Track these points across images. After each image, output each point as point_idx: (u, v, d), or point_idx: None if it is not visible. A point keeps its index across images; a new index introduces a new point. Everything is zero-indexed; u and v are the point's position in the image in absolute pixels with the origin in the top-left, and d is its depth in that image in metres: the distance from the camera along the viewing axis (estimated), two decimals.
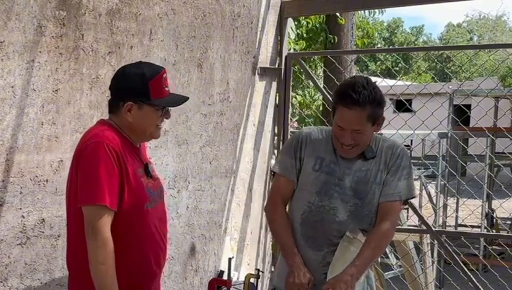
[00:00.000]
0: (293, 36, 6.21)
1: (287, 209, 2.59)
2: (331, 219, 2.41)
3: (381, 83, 5.16)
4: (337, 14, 7.25)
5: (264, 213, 2.71)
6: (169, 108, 2.34)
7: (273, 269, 4.34)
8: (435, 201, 8.90)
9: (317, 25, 7.62)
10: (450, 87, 11.08)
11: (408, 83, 14.07)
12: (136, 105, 2.22)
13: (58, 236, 2.69)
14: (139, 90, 2.21)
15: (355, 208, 2.41)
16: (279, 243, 2.59)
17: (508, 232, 9.53)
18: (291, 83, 4.34)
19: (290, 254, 2.43)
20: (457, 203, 8.93)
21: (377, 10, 8.70)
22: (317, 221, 2.43)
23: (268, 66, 4.22)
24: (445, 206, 8.59)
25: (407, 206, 6.04)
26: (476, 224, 9.17)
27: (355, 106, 2.31)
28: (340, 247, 2.40)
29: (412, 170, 2.52)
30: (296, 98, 7.12)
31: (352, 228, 2.41)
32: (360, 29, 8.92)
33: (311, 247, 2.43)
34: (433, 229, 4.51)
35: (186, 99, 2.43)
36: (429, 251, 6.23)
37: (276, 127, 4.37)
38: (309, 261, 2.43)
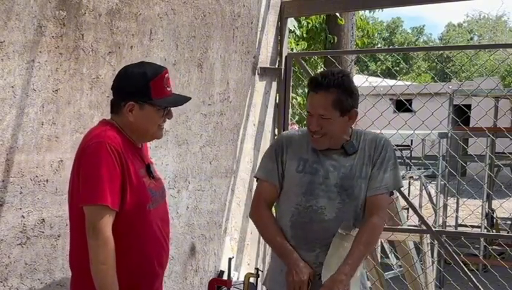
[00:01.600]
0: (298, 33, 6.21)
1: (275, 214, 2.58)
2: (320, 218, 2.41)
3: (381, 83, 5.19)
4: (337, 14, 7.24)
5: (250, 219, 2.70)
6: (171, 108, 2.34)
7: None
8: (435, 201, 8.89)
9: (317, 25, 7.61)
10: (450, 87, 11.08)
11: (408, 83, 14.07)
12: (137, 105, 2.22)
13: (58, 236, 2.69)
14: (140, 90, 2.21)
15: (343, 204, 2.41)
16: (271, 245, 2.58)
17: (508, 232, 9.52)
18: (291, 83, 4.34)
19: (285, 252, 2.42)
20: (457, 203, 8.92)
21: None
22: (306, 222, 2.43)
23: (268, 66, 4.22)
24: (445, 206, 8.58)
25: (407, 206, 6.05)
26: (476, 224, 9.17)
27: (320, 89, 2.36)
28: (333, 244, 2.39)
29: (396, 160, 2.52)
30: (296, 98, 7.11)
31: (344, 224, 2.40)
32: (360, 29, 8.91)
33: (303, 248, 2.42)
34: (433, 229, 4.51)
35: (188, 99, 2.43)
36: (429, 251, 6.22)
37: (276, 127, 4.37)
38: None
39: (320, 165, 2.45)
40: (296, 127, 7.42)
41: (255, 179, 2.63)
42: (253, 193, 4.12)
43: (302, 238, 2.43)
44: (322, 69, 7.79)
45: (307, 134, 2.49)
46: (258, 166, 2.64)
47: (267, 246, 4.37)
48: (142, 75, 2.21)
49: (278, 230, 2.47)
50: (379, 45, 35.99)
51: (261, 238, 4.29)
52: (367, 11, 9.38)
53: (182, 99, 2.40)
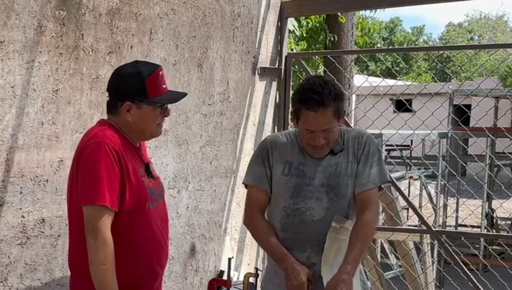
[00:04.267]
0: (298, 33, 6.21)
1: (266, 218, 2.58)
2: (309, 219, 2.42)
3: (381, 83, 5.19)
4: (338, 13, 7.24)
5: (245, 226, 2.70)
6: (168, 105, 2.34)
7: None
8: (435, 201, 8.89)
9: (317, 25, 7.61)
10: (450, 87, 11.07)
11: (408, 83, 14.06)
12: (134, 105, 2.22)
13: (58, 236, 2.69)
14: (136, 89, 2.21)
15: (331, 203, 2.42)
16: (266, 250, 2.59)
17: (508, 232, 9.52)
18: (291, 83, 4.34)
19: (281, 257, 2.42)
20: (457, 203, 8.91)
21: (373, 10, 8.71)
22: (296, 224, 2.43)
23: (268, 66, 4.22)
24: (445, 206, 8.57)
25: (407, 206, 6.05)
26: (476, 224, 9.17)
27: (320, 107, 2.33)
28: (329, 238, 2.40)
29: (381, 154, 2.53)
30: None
31: (337, 218, 2.41)
32: (360, 29, 8.92)
33: (294, 249, 2.43)
34: (433, 229, 4.51)
35: (184, 95, 2.44)
36: (429, 251, 6.22)
37: (276, 127, 4.37)
38: None
39: (307, 166, 2.46)
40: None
41: (244, 186, 2.63)
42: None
43: (293, 239, 2.44)
44: (322, 69, 7.80)
45: (294, 138, 2.50)
46: (245, 173, 2.63)
47: None
48: (137, 75, 2.21)
49: (272, 234, 2.47)
50: (379, 45, 35.98)
51: None
52: (367, 11, 9.37)
53: (179, 96, 2.41)
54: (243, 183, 2.64)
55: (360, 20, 8.94)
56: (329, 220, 2.41)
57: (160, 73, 2.27)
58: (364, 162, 2.44)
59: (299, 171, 2.45)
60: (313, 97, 2.33)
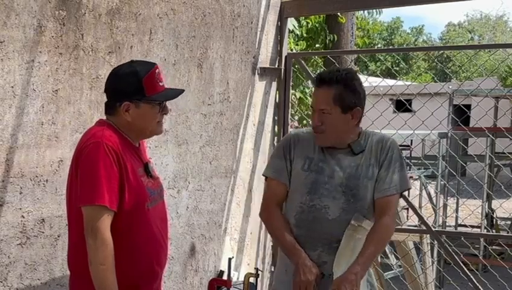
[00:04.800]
0: (298, 33, 6.20)
1: (283, 212, 2.58)
2: (323, 217, 2.41)
3: (381, 83, 5.19)
4: (338, 13, 7.24)
5: (260, 218, 2.70)
6: (168, 105, 2.34)
7: (273, 269, 4.34)
8: (434, 201, 8.89)
9: (317, 25, 7.61)
10: (450, 87, 11.07)
11: (408, 83, 14.06)
12: (133, 104, 2.22)
13: (58, 236, 2.69)
14: (133, 89, 2.21)
15: (347, 204, 2.41)
16: (279, 244, 2.58)
17: (508, 233, 9.52)
18: (291, 83, 4.34)
19: (293, 252, 2.42)
20: (457, 203, 8.91)
21: (375, 11, 8.70)
22: (310, 221, 2.43)
23: (268, 66, 4.22)
24: (445, 206, 8.57)
25: (407, 206, 6.04)
26: (475, 224, 9.16)
27: (323, 84, 2.39)
28: (345, 236, 2.39)
29: (403, 161, 2.52)
30: (295, 95, 7.10)
31: (357, 216, 2.40)
32: (360, 29, 8.92)
33: (306, 247, 2.42)
34: (433, 229, 4.51)
35: (181, 91, 2.44)
36: (429, 251, 6.22)
37: (276, 127, 4.37)
38: None
39: (326, 164, 2.45)
40: (296, 124, 7.42)
41: (264, 178, 2.62)
42: (252, 193, 4.14)
43: (306, 237, 2.43)
44: (322, 69, 7.80)
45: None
46: (266, 165, 2.64)
47: (267, 246, 4.37)
48: (134, 74, 2.22)
49: (287, 229, 2.46)
50: (379, 45, 35.96)
51: (261, 238, 4.31)
52: (367, 14, 9.37)
53: (177, 92, 2.42)
54: (262, 175, 2.64)
55: (360, 19, 8.94)
56: (343, 221, 2.40)
57: (157, 71, 2.27)
58: (387, 167, 2.43)
59: (319, 168, 2.45)
60: (322, 75, 2.42)
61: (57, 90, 2.64)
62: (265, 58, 4.20)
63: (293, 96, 6.79)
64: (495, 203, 9.18)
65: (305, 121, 7.39)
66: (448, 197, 8.70)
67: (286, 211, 2.55)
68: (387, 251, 7.12)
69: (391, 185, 2.42)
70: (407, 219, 7.66)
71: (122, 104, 2.21)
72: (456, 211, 8.55)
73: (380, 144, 2.46)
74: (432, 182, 9.55)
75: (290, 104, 4.32)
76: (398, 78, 9.06)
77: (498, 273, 4.12)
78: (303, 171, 2.47)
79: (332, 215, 2.40)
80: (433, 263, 6.45)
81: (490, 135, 6.97)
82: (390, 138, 2.53)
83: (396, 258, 6.59)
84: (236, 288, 3.47)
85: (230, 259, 3.48)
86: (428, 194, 9.43)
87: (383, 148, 2.45)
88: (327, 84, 2.37)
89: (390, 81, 9.27)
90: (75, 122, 2.74)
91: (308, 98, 8.41)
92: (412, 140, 9.67)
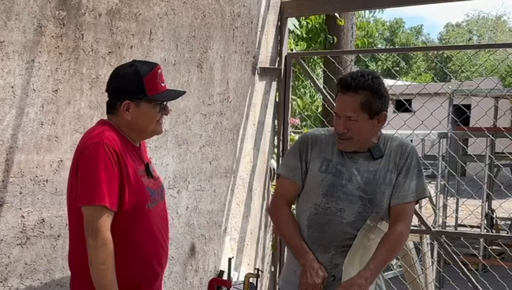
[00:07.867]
0: (298, 33, 6.19)
1: (294, 212, 2.56)
2: (338, 220, 2.38)
3: None
4: (337, 15, 7.24)
5: (268, 215, 2.68)
6: (169, 105, 2.34)
7: (272, 269, 4.35)
8: (434, 201, 8.89)
9: (317, 25, 7.61)
10: (450, 87, 11.07)
11: (408, 82, 14.05)
12: (133, 103, 2.22)
13: (58, 236, 2.69)
14: (134, 88, 2.21)
15: (363, 209, 2.37)
16: (288, 243, 2.54)
17: (507, 233, 9.52)
18: (291, 83, 4.34)
19: (301, 253, 2.39)
20: (457, 203, 8.92)
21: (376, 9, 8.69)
22: (323, 223, 2.40)
23: (268, 66, 4.22)
24: (445, 206, 8.58)
25: None
26: (475, 224, 9.17)
27: (349, 90, 2.32)
28: (360, 235, 2.36)
29: (422, 168, 2.48)
30: (296, 100, 7.11)
31: (373, 216, 2.37)
32: (360, 29, 8.91)
33: (319, 249, 2.40)
34: (433, 229, 4.51)
35: (182, 93, 2.44)
36: (429, 251, 6.22)
37: (276, 127, 4.37)
38: None
39: (345, 167, 2.41)
40: (297, 121, 7.42)
41: (276, 176, 2.61)
42: (252, 193, 4.14)
43: (318, 239, 2.41)
44: (321, 69, 7.81)
45: (333, 134, 2.45)
46: (280, 163, 2.62)
47: (267, 246, 4.38)
48: (135, 74, 2.22)
49: (295, 228, 2.44)
50: (380, 45, 35.95)
51: (261, 238, 4.31)
52: (368, 13, 9.36)
53: (178, 93, 2.42)
54: (276, 173, 2.62)
55: (360, 18, 8.93)
56: (358, 225, 2.37)
57: (159, 71, 2.27)
58: (405, 174, 2.40)
59: (337, 171, 2.41)
60: (347, 80, 2.32)
61: (57, 90, 2.64)
62: (265, 58, 4.20)
63: (294, 102, 6.78)
64: (495, 204, 9.19)
65: (304, 122, 7.40)
66: (448, 197, 8.70)
67: (298, 211, 2.52)
68: None
69: (409, 192, 2.39)
70: None
71: (123, 103, 2.22)
72: (456, 211, 8.56)
73: (399, 149, 2.43)
74: (432, 182, 9.55)
75: (290, 104, 4.32)
76: (398, 78, 9.06)
77: (498, 274, 4.12)
78: (320, 172, 2.43)
79: (347, 219, 2.37)
80: (432, 263, 6.45)
81: (490, 135, 6.98)
82: (410, 143, 2.49)
83: (396, 258, 6.59)
84: (236, 288, 3.48)
85: (230, 259, 3.49)
86: (428, 194, 9.43)
87: (403, 153, 2.42)
88: (353, 90, 2.30)
89: (390, 81, 9.27)
90: (75, 122, 2.74)
91: (308, 98, 8.43)
92: (411, 140, 9.66)
